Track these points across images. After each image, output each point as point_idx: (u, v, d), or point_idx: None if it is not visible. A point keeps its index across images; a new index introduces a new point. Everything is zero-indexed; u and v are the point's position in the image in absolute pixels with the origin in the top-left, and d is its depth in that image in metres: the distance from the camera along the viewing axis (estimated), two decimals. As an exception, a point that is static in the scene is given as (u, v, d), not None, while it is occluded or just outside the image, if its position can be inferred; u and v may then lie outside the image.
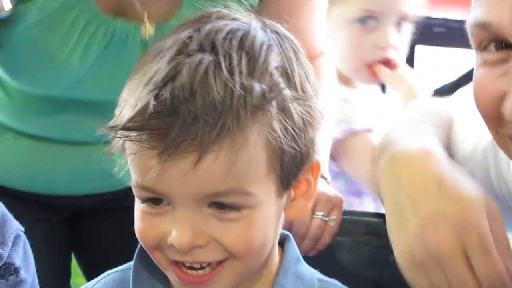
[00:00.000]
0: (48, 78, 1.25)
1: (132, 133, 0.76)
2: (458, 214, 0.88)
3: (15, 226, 1.09)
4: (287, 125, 0.81)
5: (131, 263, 0.96)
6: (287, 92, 0.82)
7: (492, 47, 0.86)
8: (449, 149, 1.15)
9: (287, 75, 0.84)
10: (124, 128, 0.77)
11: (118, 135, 0.78)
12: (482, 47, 0.88)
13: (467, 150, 1.19)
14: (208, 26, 0.82)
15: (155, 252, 0.85)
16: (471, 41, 0.91)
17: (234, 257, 0.83)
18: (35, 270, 1.12)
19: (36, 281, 1.11)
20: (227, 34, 0.81)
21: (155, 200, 0.82)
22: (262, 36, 0.84)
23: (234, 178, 0.78)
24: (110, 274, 1.02)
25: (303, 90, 0.86)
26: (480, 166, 1.16)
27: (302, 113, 0.84)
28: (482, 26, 0.86)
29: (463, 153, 1.19)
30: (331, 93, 1.44)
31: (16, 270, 1.06)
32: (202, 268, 0.83)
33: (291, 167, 0.84)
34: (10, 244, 1.06)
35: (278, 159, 0.82)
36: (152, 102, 0.74)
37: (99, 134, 0.81)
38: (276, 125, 0.80)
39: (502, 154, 1.02)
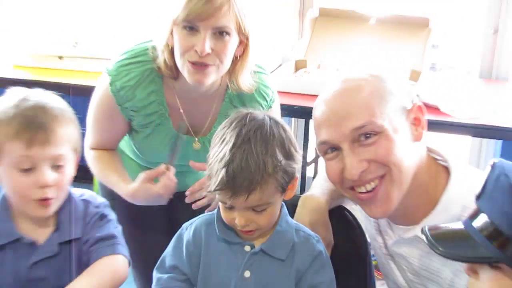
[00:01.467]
0: (158, 158, 2.13)
1: (217, 191, 1.56)
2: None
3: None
4: (284, 175, 1.58)
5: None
6: (284, 161, 1.57)
7: (329, 151, 1.70)
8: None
9: (284, 149, 1.59)
10: (214, 190, 1.57)
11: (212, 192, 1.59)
12: (324, 153, 1.72)
13: None
14: (245, 129, 1.55)
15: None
16: (319, 151, 1.75)
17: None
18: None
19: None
20: (255, 131, 1.55)
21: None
22: (272, 128, 1.59)
23: (264, 200, 1.57)
24: (205, 215, 1.79)
25: (291, 153, 1.61)
26: None
27: (291, 165, 1.61)
28: (324, 142, 1.69)
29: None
30: None
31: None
32: None
33: (286, 185, 1.62)
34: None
35: (280, 186, 1.59)
36: (224, 175, 1.51)
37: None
38: (280, 177, 1.57)
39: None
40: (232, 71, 2.03)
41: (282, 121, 1.68)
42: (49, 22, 4.14)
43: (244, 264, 1.66)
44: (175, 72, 1.99)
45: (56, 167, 1.64)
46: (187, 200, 1.96)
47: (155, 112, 2.08)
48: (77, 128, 1.73)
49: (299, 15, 3.75)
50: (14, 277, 1.66)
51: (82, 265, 1.70)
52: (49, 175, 1.62)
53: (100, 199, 1.83)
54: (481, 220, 1.28)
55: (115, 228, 1.79)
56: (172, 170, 1.95)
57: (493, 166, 1.31)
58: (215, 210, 1.74)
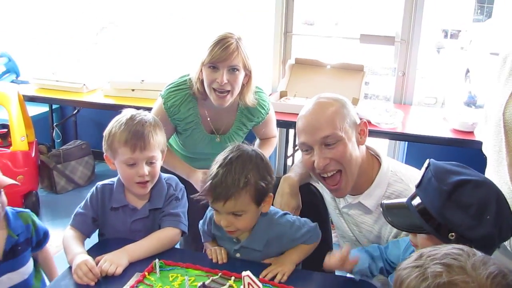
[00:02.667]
0: (195, 148, 2.25)
1: (203, 196, 1.54)
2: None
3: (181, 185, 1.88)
4: (256, 191, 1.51)
5: None
6: (254, 181, 1.50)
7: (306, 148, 1.67)
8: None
9: (258, 172, 1.52)
10: (204, 195, 1.54)
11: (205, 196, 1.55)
12: (304, 151, 1.68)
13: None
14: (231, 155, 1.52)
15: None
16: (299, 148, 1.73)
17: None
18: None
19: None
20: (237, 157, 1.52)
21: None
22: (251, 157, 1.54)
23: (238, 207, 1.51)
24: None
25: (264, 176, 1.53)
26: None
27: (261, 185, 1.52)
28: (303, 143, 1.67)
29: None
30: (268, 155, 2.31)
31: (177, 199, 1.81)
32: None
33: (260, 200, 1.54)
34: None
35: (254, 200, 1.52)
36: (209, 185, 1.50)
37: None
38: (251, 192, 1.50)
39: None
40: (241, 93, 2.11)
41: (261, 153, 1.60)
42: (124, 64, 4.25)
43: (234, 250, 1.65)
44: (204, 95, 2.09)
45: (150, 163, 1.71)
46: None
47: (192, 121, 2.16)
48: (164, 136, 1.78)
49: (282, 62, 3.71)
50: (123, 227, 1.75)
51: (158, 226, 1.76)
52: (145, 169, 1.69)
53: (179, 184, 1.86)
54: (417, 201, 1.29)
55: (182, 208, 1.80)
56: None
57: (427, 167, 1.30)
58: None
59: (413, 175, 1.66)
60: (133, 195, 1.78)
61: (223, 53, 1.97)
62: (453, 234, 1.20)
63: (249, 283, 1.33)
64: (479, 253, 0.96)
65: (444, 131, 2.90)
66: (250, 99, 2.13)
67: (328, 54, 3.68)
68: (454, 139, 2.82)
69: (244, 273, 1.34)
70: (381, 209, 1.37)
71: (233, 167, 1.50)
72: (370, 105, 3.15)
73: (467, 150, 2.56)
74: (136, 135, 1.67)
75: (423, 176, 1.30)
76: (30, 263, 1.77)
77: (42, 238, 1.79)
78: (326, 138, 1.62)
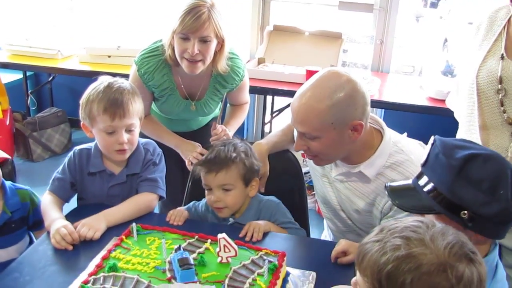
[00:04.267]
0: (171, 114, 2.24)
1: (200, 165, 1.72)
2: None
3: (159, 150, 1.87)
4: (244, 167, 1.68)
5: None
6: (243, 157, 1.70)
7: (297, 133, 1.58)
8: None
9: (246, 155, 1.71)
10: (200, 164, 1.73)
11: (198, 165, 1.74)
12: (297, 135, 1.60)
13: None
14: (226, 142, 1.77)
15: None
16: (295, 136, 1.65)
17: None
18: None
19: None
20: (229, 143, 1.74)
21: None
22: (241, 145, 1.75)
23: (228, 180, 1.67)
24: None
25: (250, 158, 1.72)
26: None
27: (249, 162, 1.70)
28: (292, 123, 1.57)
29: None
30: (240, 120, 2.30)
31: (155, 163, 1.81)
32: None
33: (248, 178, 1.70)
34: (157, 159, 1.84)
35: (242, 176, 1.68)
36: (206, 157, 1.72)
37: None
38: (240, 167, 1.67)
39: None
40: (213, 61, 2.05)
41: (249, 145, 1.79)
42: (99, 30, 4.17)
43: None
44: (176, 62, 2.02)
45: (129, 131, 1.71)
46: (212, 140, 1.97)
47: (167, 87, 2.11)
48: (141, 103, 1.77)
49: (260, 29, 3.70)
50: (100, 192, 1.76)
51: (136, 191, 1.77)
52: (124, 136, 1.69)
53: (157, 149, 1.86)
54: (424, 180, 1.21)
55: (160, 173, 1.80)
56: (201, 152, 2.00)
57: (433, 144, 1.22)
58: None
59: (413, 146, 1.66)
60: (111, 160, 1.78)
61: (194, 24, 1.90)
62: (465, 212, 1.12)
63: (224, 245, 1.36)
64: (438, 224, 0.96)
65: (421, 99, 2.94)
66: (222, 66, 2.09)
67: (307, 21, 3.65)
68: (430, 107, 2.86)
69: (220, 235, 1.37)
70: (386, 192, 1.30)
71: (226, 148, 1.70)
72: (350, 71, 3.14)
73: (442, 118, 2.58)
74: (115, 103, 1.66)
75: (429, 154, 1.22)
76: (25, 241, 1.76)
77: (41, 218, 1.70)
78: (303, 133, 1.57)
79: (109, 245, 1.50)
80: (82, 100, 1.71)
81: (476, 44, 1.62)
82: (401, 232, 0.93)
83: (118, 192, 1.76)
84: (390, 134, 1.64)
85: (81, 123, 1.75)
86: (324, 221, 1.96)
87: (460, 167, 1.13)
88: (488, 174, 1.12)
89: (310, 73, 2.99)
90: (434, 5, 6.89)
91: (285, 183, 1.93)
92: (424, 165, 1.23)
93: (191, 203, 1.84)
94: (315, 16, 3.81)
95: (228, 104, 2.37)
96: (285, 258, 1.42)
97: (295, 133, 1.64)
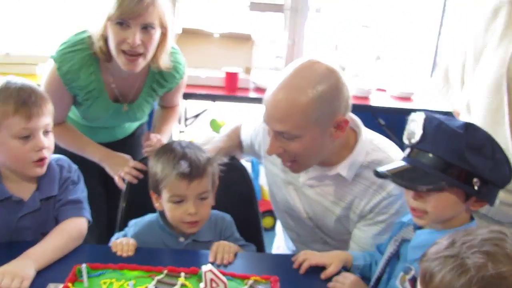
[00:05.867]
0: (97, 121, 1.92)
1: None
2: None
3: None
4: (213, 171, 1.49)
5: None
6: (214, 163, 1.50)
7: (271, 134, 1.40)
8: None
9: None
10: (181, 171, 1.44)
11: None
12: (268, 132, 1.44)
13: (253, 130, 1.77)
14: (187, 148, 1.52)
15: None
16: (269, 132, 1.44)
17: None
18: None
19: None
20: (183, 146, 1.51)
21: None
22: (191, 143, 1.54)
23: (206, 188, 1.46)
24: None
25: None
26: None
27: (215, 166, 1.50)
28: (264, 120, 1.40)
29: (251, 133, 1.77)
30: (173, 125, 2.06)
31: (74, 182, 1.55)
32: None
33: (214, 184, 1.51)
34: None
35: (212, 179, 1.49)
36: (180, 165, 1.44)
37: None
38: (212, 172, 1.48)
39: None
40: (154, 55, 1.74)
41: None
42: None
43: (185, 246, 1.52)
44: (109, 57, 1.72)
45: (46, 133, 1.43)
46: (146, 152, 1.72)
47: (94, 88, 1.78)
48: (50, 102, 1.48)
49: None
50: (6, 227, 1.44)
51: (54, 219, 1.51)
52: (44, 140, 1.41)
53: (72, 165, 1.59)
54: (425, 156, 1.15)
55: (82, 192, 1.56)
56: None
57: (426, 119, 1.16)
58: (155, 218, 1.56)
59: (389, 143, 1.53)
60: (16, 182, 1.45)
61: (136, 7, 1.59)
62: (477, 180, 1.10)
63: (212, 280, 1.12)
64: None
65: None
66: (164, 61, 1.78)
67: (217, 23, 3.53)
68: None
69: (204, 268, 1.13)
70: (387, 179, 1.20)
71: (193, 149, 1.51)
72: (263, 73, 3.17)
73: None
74: (29, 100, 1.38)
75: (424, 128, 1.15)
76: None
77: None
78: (281, 132, 1.37)
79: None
80: None
81: (498, 31, 1.48)
82: (482, 247, 0.79)
83: (30, 224, 1.45)
84: (365, 132, 1.51)
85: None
86: (279, 232, 1.83)
87: (464, 134, 1.11)
88: (485, 139, 1.12)
89: (229, 75, 2.87)
90: None
91: (234, 194, 1.76)
92: (420, 141, 1.16)
93: (131, 226, 1.56)
94: (226, 18, 3.70)
95: (157, 107, 2.07)
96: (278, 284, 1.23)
97: (269, 132, 1.42)
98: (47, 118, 1.43)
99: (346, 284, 1.30)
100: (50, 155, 1.47)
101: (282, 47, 3.53)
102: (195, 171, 1.43)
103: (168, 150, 1.51)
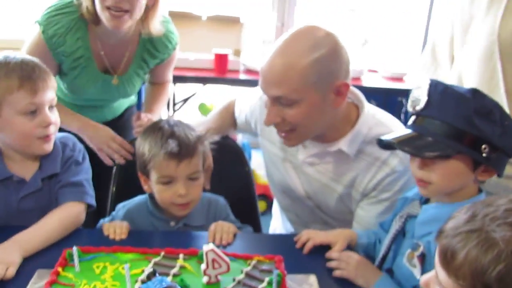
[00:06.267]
0: (84, 94, 1.81)
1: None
2: None
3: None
4: (205, 150, 1.42)
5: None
6: (205, 141, 1.43)
7: (268, 102, 1.34)
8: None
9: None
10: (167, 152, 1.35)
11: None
12: (265, 104, 1.36)
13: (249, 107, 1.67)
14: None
15: None
16: (266, 103, 1.37)
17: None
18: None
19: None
20: (180, 121, 1.45)
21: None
22: (179, 121, 1.45)
23: (196, 168, 1.37)
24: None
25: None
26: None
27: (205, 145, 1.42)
28: (260, 88, 1.34)
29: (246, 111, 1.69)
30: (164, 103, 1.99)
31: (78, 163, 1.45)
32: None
33: (205, 162, 1.43)
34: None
35: (202, 159, 1.40)
36: (170, 144, 1.35)
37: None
38: (202, 151, 1.40)
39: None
40: (145, 19, 1.66)
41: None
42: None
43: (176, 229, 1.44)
44: (96, 18, 1.61)
45: (51, 108, 1.35)
46: (137, 132, 1.62)
47: (82, 56, 1.68)
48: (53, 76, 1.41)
49: None
50: (6, 209, 1.35)
51: (55, 201, 1.40)
52: (51, 115, 1.34)
53: (78, 144, 1.49)
54: (430, 123, 1.11)
55: (85, 174, 1.45)
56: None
57: (431, 84, 1.12)
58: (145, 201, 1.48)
59: (390, 117, 1.47)
60: (17, 161, 1.38)
61: None
62: (485, 146, 1.05)
63: (213, 260, 1.06)
64: None
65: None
66: (155, 27, 1.69)
67: (204, 5, 3.49)
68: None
69: (206, 248, 1.06)
70: (393, 147, 1.16)
71: (182, 127, 1.41)
72: (250, 54, 3.16)
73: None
74: (32, 74, 1.30)
75: (429, 94, 1.10)
76: None
77: None
78: (278, 98, 1.31)
79: (37, 284, 1.08)
80: None
81: (484, 1, 1.43)
82: (507, 218, 0.71)
83: (33, 205, 1.37)
84: (368, 106, 1.45)
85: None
86: (276, 213, 1.78)
87: (472, 99, 1.07)
88: (492, 105, 1.08)
89: (218, 57, 2.81)
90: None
91: (229, 175, 1.68)
92: (426, 107, 1.11)
93: (119, 209, 1.48)
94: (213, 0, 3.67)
95: (146, 84, 1.98)
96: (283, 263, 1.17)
97: (266, 103, 1.36)
98: (52, 93, 1.35)
99: (351, 264, 1.25)
100: (56, 132, 1.39)
101: (271, 29, 3.48)
102: (185, 150, 1.34)
103: (156, 129, 1.41)
